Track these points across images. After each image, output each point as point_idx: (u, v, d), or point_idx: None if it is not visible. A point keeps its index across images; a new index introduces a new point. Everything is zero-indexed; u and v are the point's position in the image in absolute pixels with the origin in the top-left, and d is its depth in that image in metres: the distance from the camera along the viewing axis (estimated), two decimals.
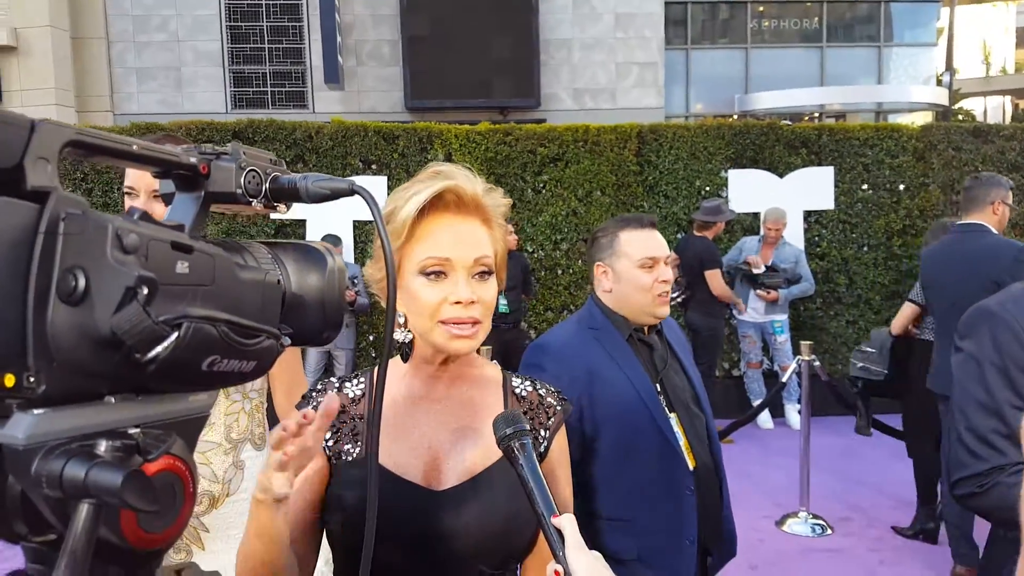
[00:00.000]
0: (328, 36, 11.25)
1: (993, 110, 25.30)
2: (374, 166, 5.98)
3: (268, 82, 12.30)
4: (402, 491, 1.03)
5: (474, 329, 1.03)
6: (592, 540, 1.55)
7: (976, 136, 6.44)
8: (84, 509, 0.41)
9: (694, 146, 6.20)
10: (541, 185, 6.17)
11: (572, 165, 6.12)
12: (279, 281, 0.57)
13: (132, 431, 0.45)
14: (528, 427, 0.96)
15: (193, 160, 0.53)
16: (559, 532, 0.87)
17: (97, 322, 0.41)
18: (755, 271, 5.59)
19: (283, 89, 12.31)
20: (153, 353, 0.42)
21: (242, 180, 0.56)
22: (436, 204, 1.02)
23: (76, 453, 0.41)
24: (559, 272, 6.10)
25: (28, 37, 10.95)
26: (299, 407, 1.11)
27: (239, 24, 12.19)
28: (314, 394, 1.12)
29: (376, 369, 1.15)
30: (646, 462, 1.65)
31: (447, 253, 1.02)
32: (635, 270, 1.75)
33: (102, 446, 0.43)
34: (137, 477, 0.41)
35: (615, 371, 1.68)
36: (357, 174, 5.88)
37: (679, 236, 6.03)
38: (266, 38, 12.21)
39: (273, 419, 1.72)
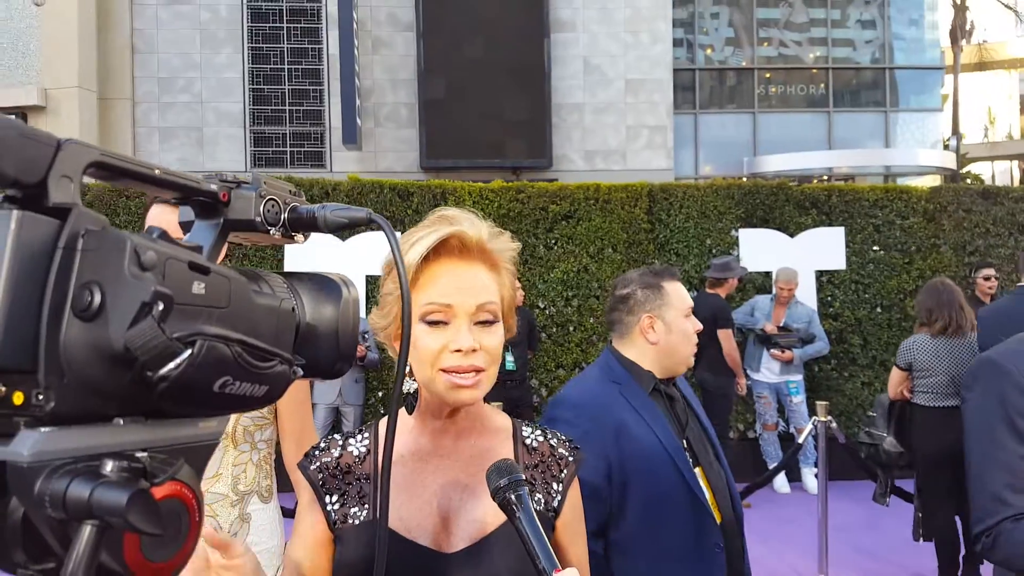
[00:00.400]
0: (348, 99, 11.60)
1: (1000, 174, 25.53)
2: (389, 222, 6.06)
3: (288, 142, 12.63)
4: (411, 555, 0.99)
5: (477, 378, 0.99)
6: None
7: (986, 198, 6.47)
8: (86, 531, 0.39)
9: (704, 205, 6.26)
10: (553, 242, 6.22)
11: (583, 222, 6.18)
12: (294, 309, 0.56)
13: (140, 455, 0.44)
14: (524, 477, 0.92)
15: (213, 187, 0.54)
16: None
17: (111, 337, 0.41)
18: (770, 333, 5.56)
19: (302, 149, 12.63)
20: (165, 370, 0.41)
21: (261, 208, 0.56)
22: (440, 250, 1.00)
23: (81, 472, 0.40)
24: (571, 329, 6.09)
25: (57, 97, 11.34)
26: (300, 466, 1.09)
27: (261, 87, 12.60)
28: (317, 452, 1.09)
29: (380, 422, 1.12)
30: (677, 519, 1.60)
31: (448, 300, 0.99)
32: (681, 319, 1.74)
33: (108, 466, 0.41)
34: (143, 497, 0.39)
35: (642, 426, 1.64)
36: (372, 230, 5.96)
37: (692, 294, 6.02)
38: (287, 100, 12.60)
39: (281, 470, 1.69)
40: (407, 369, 1.03)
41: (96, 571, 0.42)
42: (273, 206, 0.57)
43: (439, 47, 12.09)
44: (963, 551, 3.79)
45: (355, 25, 11.88)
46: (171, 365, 0.41)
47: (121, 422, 0.45)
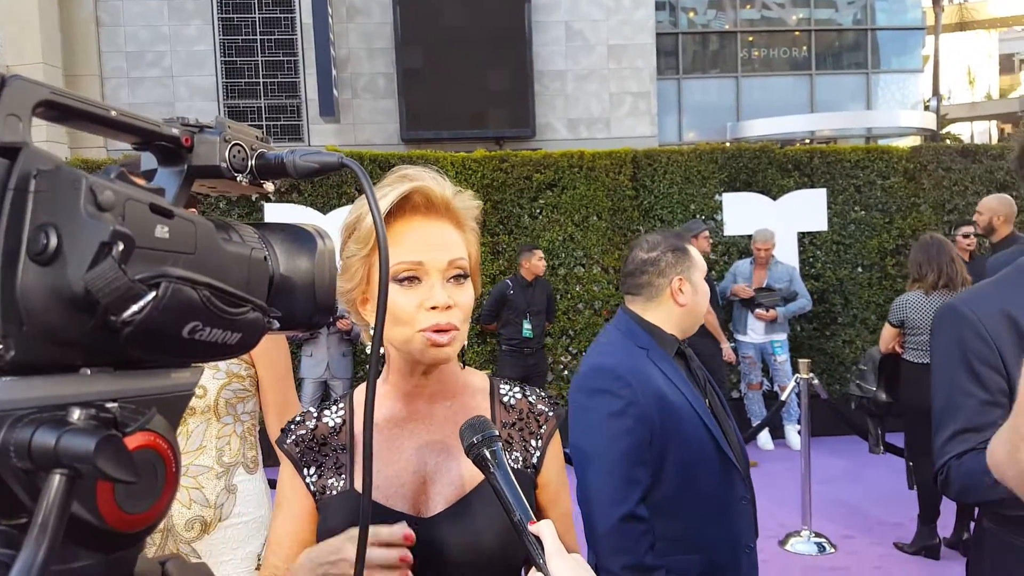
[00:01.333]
0: (323, 70, 11.38)
1: (980, 135, 25.70)
2: None
3: (263, 116, 12.40)
4: (390, 521, 0.97)
5: (451, 336, 0.97)
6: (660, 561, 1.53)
7: (965, 156, 6.51)
8: (55, 480, 0.38)
9: (688, 170, 6.24)
10: (538, 211, 6.19)
11: (568, 191, 6.15)
12: (266, 259, 0.55)
13: (109, 404, 0.43)
14: (497, 433, 0.90)
15: (175, 132, 0.52)
16: (538, 539, 0.83)
17: (70, 281, 0.39)
18: (743, 296, 5.59)
19: (278, 123, 12.41)
20: (129, 313, 0.40)
21: (227, 154, 0.54)
22: (404, 207, 0.97)
23: (47, 421, 0.39)
24: (557, 297, 6.09)
25: (21, 73, 11.03)
26: (278, 441, 1.08)
27: (234, 59, 12.33)
28: (293, 426, 1.07)
29: (355, 391, 1.11)
30: (710, 478, 1.62)
31: (419, 256, 0.96)
32: (702, 280, 1.79)
33: (76, 415, 0.40)
34: (113, 443, 0.38)
35: (673, 390, 1.64)
36: (352, 203, 5.90)
37: None
38: (261, 72, 12.35)
39: (266, 441, 1.68)
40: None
41: (69, 523, 0.41)
42: (239, 151, 0.55)
43: (416, 14, 11.87)
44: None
45: None
46: (135, 308, 0.40)
47: (88, 372, 0.43)
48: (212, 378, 1.64)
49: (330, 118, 11.68)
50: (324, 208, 5.80)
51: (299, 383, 5.46)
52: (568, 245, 6.13)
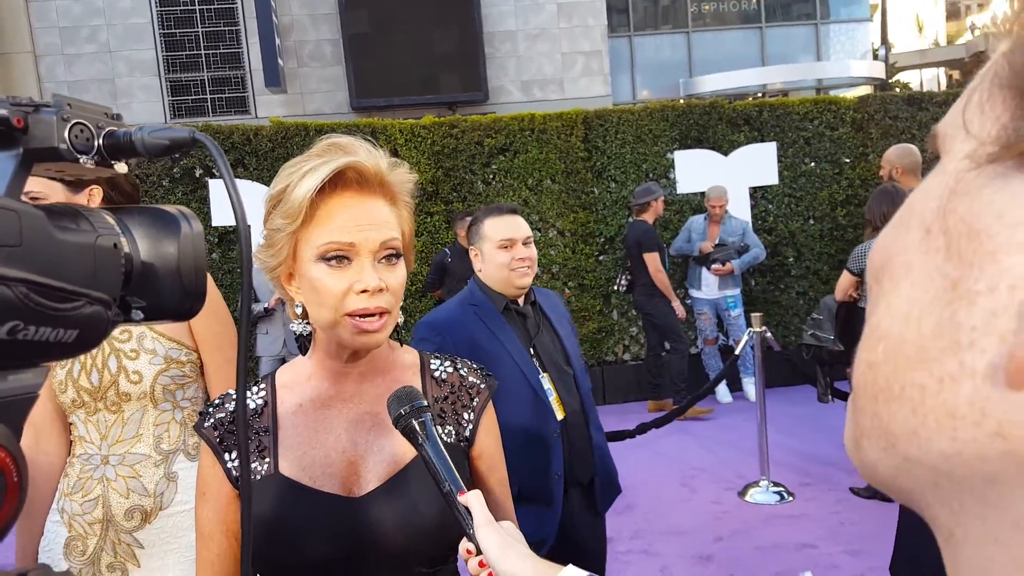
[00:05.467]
0: (266, 39, 11.02)
1: (929, 82, 26.12)
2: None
3: (207, 89, 11.99)
4: (319, 503, 0.96)
5: (382, 321, 0.94)
6: None
7: (911, 104, 6.60)
8: None
9: (639, 129, 6.23)
10: (491, 176, 6.13)
11: (520, 155, 6.09)
12: (116, 245, 0.51)
13: None
14: (425, 403, 0.89)
15: (3, 112, 0.47)
16: (467, 509, 0.84)
17: None
18: (706, 253, 5.65)
19: (223, 96, 12.03)
20: None
21: (67, 134, 0.50)
22: (336, 182, 0.93)
23: None
24: None
25: None
26: (195, 425, 1.04)
27: (173, 31, 11.85)
28: (211, 409, 1.04)
29: (278, 371, 1.08)
30: (521, 415, 1.95)
31: (350, 237, 0.93)
32: (495, 251, 2.05)
33: None
34: None
35: (493, 340, 1.98)
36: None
37: (629, 220, 6.05)
38: (202, 44, 11.90)
39: None
40: (299, 310, 0.99)
41: None
42: (83, 131, 0.50)
43: None
44: None
45: None
46: None
47: None
48: (149, 363, 1.59)
49: (276, 88, 11.36)
50: (270, 182, 5.66)
51: (256, 362, 5.38)
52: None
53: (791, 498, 4.00)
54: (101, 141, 0.52)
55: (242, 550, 0.60)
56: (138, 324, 0.55)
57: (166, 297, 0.54)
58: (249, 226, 0.55)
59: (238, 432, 0.58)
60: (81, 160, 0.51)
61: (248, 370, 0.59)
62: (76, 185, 1.54)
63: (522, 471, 1.86)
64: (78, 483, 1.58)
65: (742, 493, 4.09)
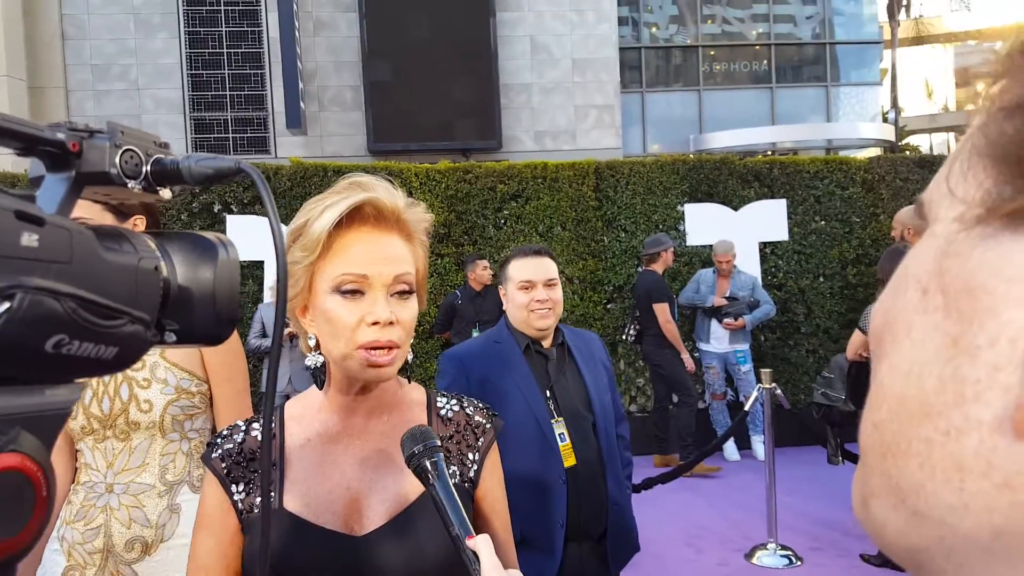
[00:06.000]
0: (290, 82, 11.31)
1: (938, 146, 26.43)
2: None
3: (230, 128, 12.26)
4: (320, 540, 0.95)
5: (392, 355, 0.95)
6: None
7: (921, 167, 6.67)
8: None
9: (650, 181, 6.30)
10: (502, 222, 6.19)
11: (532, 201, 6.16)
12: (157, 268, 0.52)
13: None
14: (439, 443, 0.89)
15: (60, 137, 0.49)
16: (475, 554, 0.83)
17: None
18: (719, 306, 5.64)
19: (245, 135, 12.28)
20: None
21: (118, 159, 0.52)
22: (354, 217, 0.95)
23: None
24: None
25: None
26: (203, 456, 1.04)
27: (200, 72, 12.19)
28: (219, 440, 1.04)
29: (287, 404, 1.08)
30: (528, 457, 1.93)
31: (364, 270, 0.94)
32: (516, 291, 2.09)
33: None
34: None
35: (508, 379, 2.00)
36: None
37: (639, 269, 6.08)
38: (228, 85, 12.22)
39: None
40: (312, 342, 0.99)
41: None
42: (132, 157, 0.53)
43: (383, 28, 11.87)
44: None
45: (295, 6, 11.58)
46: None
47: None
48: (160, 393, 1.60)
49: (297, 130, 11.59)
50: (287, 219, 5.72)
51: (261, 397, 5.36)
52: None
53: (799, 563, 3.90)
54: (149, 168, 0.54)
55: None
56: (169, 346, 0.56)
57: (200, 321, 0.56)
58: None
59: (261, 465, 0.58)
60: (129, 185, 0.53)
61: (261, 403, 0.60)
62: (122, 214, 1.58)
63: (523, 515, 1.84)
64: (81, 511, 1.57)
65: (749, 555, 3.99)
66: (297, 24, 11.61)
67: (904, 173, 6.60)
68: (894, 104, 16.91)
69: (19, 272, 0.40)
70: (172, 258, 0.55)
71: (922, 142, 25.70)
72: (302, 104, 11.59)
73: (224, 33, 12.13)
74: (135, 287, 0.50)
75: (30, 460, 0.42)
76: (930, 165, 6.70)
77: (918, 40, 26.45)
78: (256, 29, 12.14)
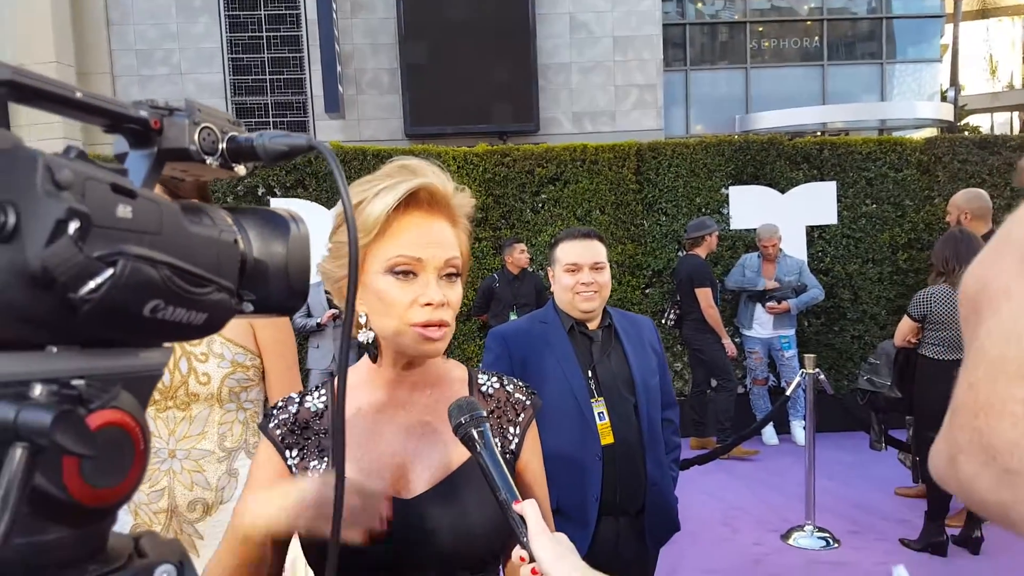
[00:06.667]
0: (328, 66, 11.41)
1: (1000, 126, 25.30)
2: None
3: (270, 112, 12.45)
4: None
5: (442, 332, 0.99)
6: None
7: (982, 148, 6.42)
8: (16, 453, 0.39)
9: (694, 163, 6.21)
10: (540, 205, 6.18)
11: (571, 185, 6.14)
12: (236, 241, 0.55)
13: (75, 382, 0.44)
14: (485, 413, 0.93)
15: (144, 114, 0.52)
16: (522, 518, 0.86)
17: (28, 258, 0.39)
18: (770, 289, 5.55)
19: (284, 119, 12.46)
20: (86, 290, 0.40)
21: (196, 136, 0.54)
22: (408, 202, 0.99)
23: (7, 396, 0.40)
24: None
25: None
26: (261, 425, 1.10)
27: (241, 56, 12.38)
28: (275, 411, 1.10)
29: (336, 378, 1.13)
30: (566, 433, 2.00)
31: (419, 253, 0.98)
32: (563, 273, 2.13)
33: (38, 390, 0.41)
34: (69, 417, 0.39)
35: (550, 357, 2.06)
36: None
37: (680, 254, 6.02)
38: (267, 69, 12.39)
39: None
40: (363, 320, 1.03)
41: (36, 497, 0.41)
42: (209, 134, 0.55)
43: (420, 9, 11.87)
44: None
45: None
46: (92, 285, 0.40)
47: (54, 350, 0.44)
48: (217, 367, 1.67)
49: (335, 114, 11.72)
50: (329, 203, 5.83)
51: (307, 374, 5.50)
52: None
53: (837, 545, 3.87)
54: (225, 145, 0.57)
55: (329, 548, 0.63)
56: (247, 316, 0.59)
57: (274, 293, 0.58)
58: (357, 234, 0.58)
59: (333, 436, 0.62)
60: (207, 162, 0.55)
61: (307, 380, 0.63)
62: (178, 198, 1.64)
63: (559, 488, 1.88)
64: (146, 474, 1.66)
65: (785, 536, 3.97)
66: (335, 6, 11.68)
67: (963, 155, 6.37)
68: (954, 82, 16.24)
69: (119, 241, 0.43)
70: (247, 232, 0.58)
71: (983, 122, 24.66)
72: (340, 87, 11.69)
73: (263, 16, 12.28)
74: (217, 258, 0.53)
75: (129, 416, 0.46)
76: (991, 146, 6.44)
77: (983, 13, 25.27)
78: (294, 12, 12.25)
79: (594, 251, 2.13)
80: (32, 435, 0.38)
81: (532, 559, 0.84)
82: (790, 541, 3.92)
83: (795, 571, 3.59)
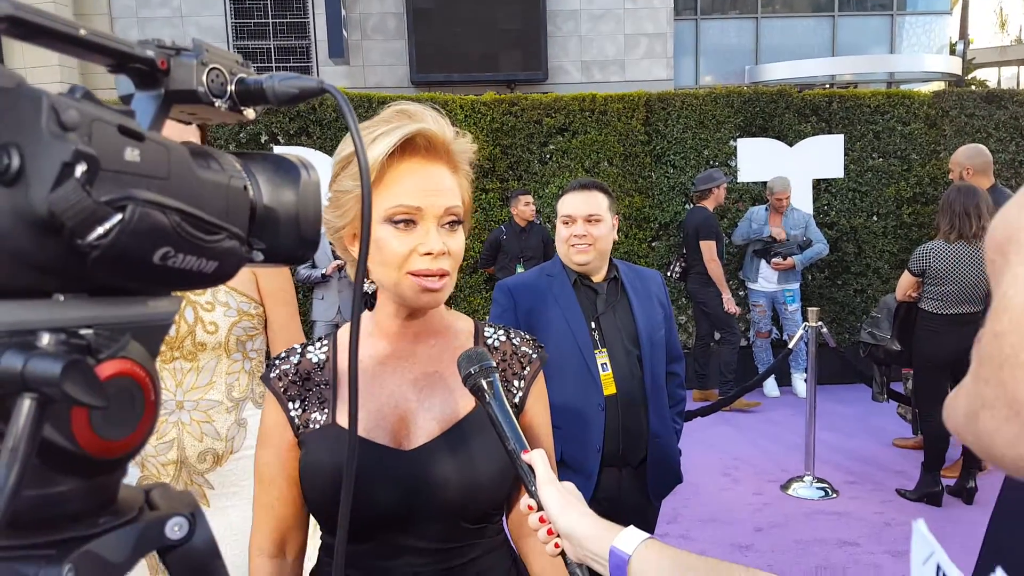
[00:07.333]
0: (332, 9, 11.12)
1: (1008, 80, 24.87)
2: None
3: (272, 57, 12.19)
4: (370, 454, 1.00)
5: (442, 282, 0.97)
6: None
7: (989, 102, 6.31)
8: (25, 403, 0.38)
9: (702, 115, 6.11)
10: (548, 156, 6.10)
11: (579, 135, 6.05)
12: (246, 187, 0.53)
13: (83, 331, 0.42)
14: (494, 364, 0.92)
15: (150, 53, 0.50)
16: (531, 467, 0.87)
17: (33, 203, 0.38)
18: (776, 240, 5.51)
19: (287, 64, 12.20)
20: (94, 236, 0.39)
21: (204, 78, 0.52)
22: (405, 148, 0.96)
23: (15, 345, 0.38)
24: None
25: None
26: (263, 376, 1.09)
27: None
28: (277, 362, 1.09)
29: (339, 330, 1.12)
30: (569, 383, 2.02)
31: (418, 202, 0.95)
32: (560, 225, 2.14)
33: (45, 340, 0.40)
34: (79, 367, 0.38)
35: (554, 308, 2.07)
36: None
37: (688, 207, 5.97)
38: (270, 12, 12.09)
39: None
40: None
41: (45, 448, 0.41)
42: (218, 76, 0.53)
43: None
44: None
45: None
46: (100, 231, 0.39)
47: (62, 298, 0.43)
48: (223, 316, 1.66)
49: (339, 60, 11.46)
50: (331, 151, 5.75)
51: (311, 325, 5.51)
52: None
53: (835, 495, 3.94)
54: (233, 87, 0.54)
55: (342, 496, 0.63)
56: (257, 265, 0.57)
57: (284, 241, 0.57)
58: (371, 177, 0.56)
59: (350, 386, 0.61)
60: (216, 104, 0.53)
61: (311, 331, 0.61)
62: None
63: (562, 439, 1.90)
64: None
65: (785, 487, 4.04)
66: None
67: (970, 108, 6.27)
68: (963, 35, 15.87)
69: (127, 185, 0.41)
70: (257, 178, 0.56)
71: (990, 76, 24.17)
72: (344, 32, 11.42)
73: None
74: (226, 205, 0.51)
75: (139, 366, 0.45)
76: (998, 100, 6.33)
77: None
78: None
79: (590, 203, 2.10)
80: (40, 385, 0.37)
81: (540, 507, 0.85)
82: (789, 491, 3.99)
83: (795, 520, 3.66)
